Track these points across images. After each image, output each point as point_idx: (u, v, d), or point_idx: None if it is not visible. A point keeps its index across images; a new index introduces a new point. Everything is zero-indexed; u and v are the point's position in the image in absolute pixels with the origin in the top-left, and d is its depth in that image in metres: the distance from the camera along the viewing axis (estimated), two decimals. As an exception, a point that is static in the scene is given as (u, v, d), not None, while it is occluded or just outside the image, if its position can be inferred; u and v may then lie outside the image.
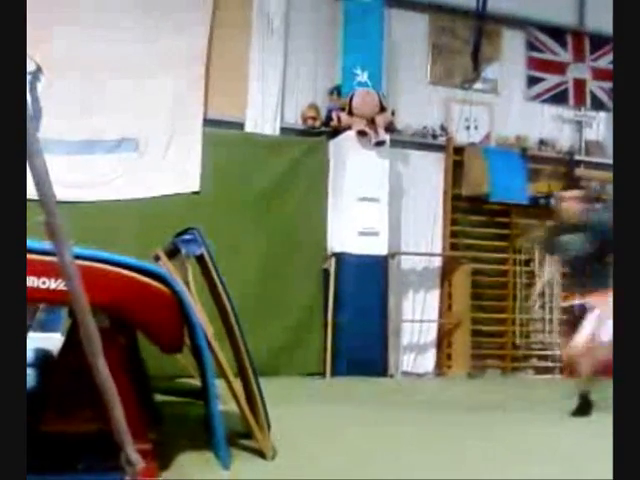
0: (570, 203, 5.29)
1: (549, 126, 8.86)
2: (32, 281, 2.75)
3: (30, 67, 6.63)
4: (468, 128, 8.38)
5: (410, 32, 8.26)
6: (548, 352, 8.42)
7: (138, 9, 7.12)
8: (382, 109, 7.65)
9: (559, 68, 8.95)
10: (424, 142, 8.18)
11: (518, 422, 5.19)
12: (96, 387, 2.53)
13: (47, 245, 2.36)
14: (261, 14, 7.56)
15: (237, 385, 3.79)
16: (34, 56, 6.57)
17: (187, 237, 3.98)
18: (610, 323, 4.35)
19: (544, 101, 8.87)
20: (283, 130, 7.60)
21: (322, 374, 7.18)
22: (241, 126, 7.46)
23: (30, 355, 3.90)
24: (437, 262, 8.04)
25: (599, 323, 4.98)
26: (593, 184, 8.68)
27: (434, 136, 8.24)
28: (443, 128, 8.26)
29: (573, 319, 5.28)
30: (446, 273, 8.04)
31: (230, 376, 3.72)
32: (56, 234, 2.23)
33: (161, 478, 3.12)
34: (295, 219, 7.35)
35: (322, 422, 4.86)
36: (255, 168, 7.30)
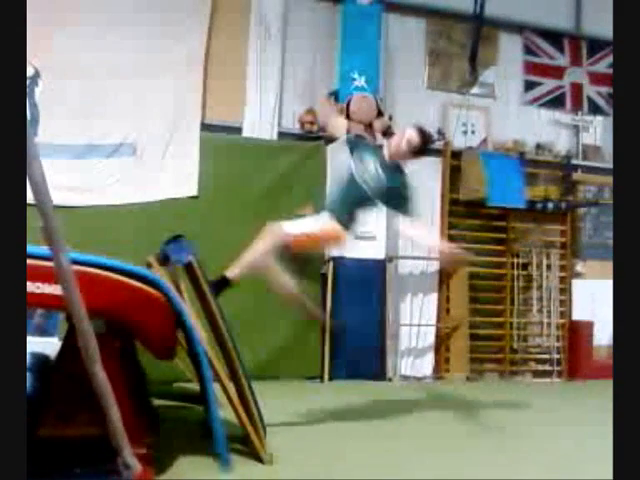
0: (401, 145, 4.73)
1: (546, 130, 8.88)
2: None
3: (28, 72, 6.64)
4: (465, 132, 8.40)
5: (407, 37, 8.28)
6: (546, 356, 8.43)
7: (137, 14, 7.13)
8: (379, 114, 7.67)
9: (556, 72, 8.97)
10: (421, 146, 8.18)
11: (517, 424, 5.20)
12: (93, 392, 2.54)
13: (40, 249, 2.36)
14: (259, 19, 7.58)
15: (232, 390, 3.79)
16: (32, 60, 6.58)
17: (175, 245, 4.00)
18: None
19: (541, 105, 8.89)
20: (281, 135, 7.61)
21: (320, 378, 7.18)
22: (239, 131, 7.47)
23: (27, 359, 3.91)
24: (435, 266, 8.05)
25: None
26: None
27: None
28: (440, 132, 8.27)
29: None
30: (444, 277, 8.05)
31: (225, 380, 3.73)
32: (53, 239, 2.24)
33: (158, 481, 3.13)
34: (293, 223, 7.34)
35: (320, 426, 4.87)
36: (253, 172, 7.30)
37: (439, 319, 8.01)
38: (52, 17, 6.73)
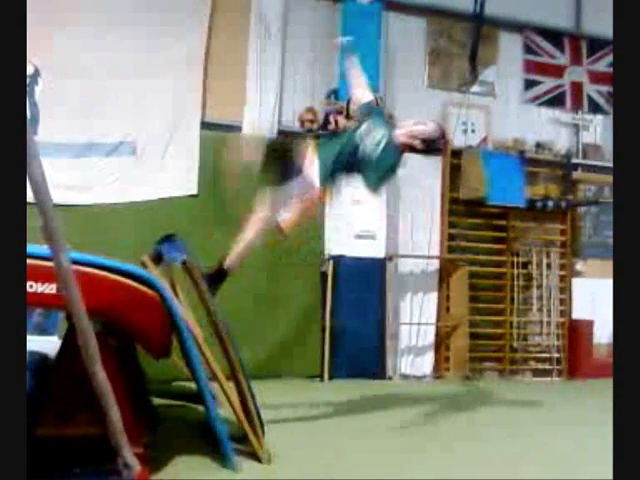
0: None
1: (546, 129, 8.87)
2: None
3: (29, 70, 6.64)
4: (465, 131, 8.39)
5: (407, 36, 8.27)
6: (546, 354, 8.43)
7: (137, 14, 7.12)
8: (380, 112, 7.66)
9: (556, 71, 8.96)
10: (421, 145, 8.18)
11: (517, 423, 5.20)
12: (93, 391, 2.54)
13: (38, 248, 2.36)
14: (259, 18, 7.57)
15: (229, 388, 3.79)
16: (32, 59, 6.57)
17: (168, 244, 4.00)
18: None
19: (541, 104, 8.88)
20: (281, 133, 7.60)
21: (320, 377, 7.18)
22: (239, 129, 7.46)
23: (26, 358, 3.90)
24: (435, 265, 8.05)
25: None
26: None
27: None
28: (440, 131, 8.26)
29: None
30: (444, 276, 8.05)
31: (222, 379, 3.73)
32: (53, 238, 2.24)
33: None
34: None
35: (319, 425, 4.87)
36: (253, 171, 7.28)
37: (439, 318, 8.01)
38: (52, 17, 6.71)
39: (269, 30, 7.56)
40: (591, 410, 5.98)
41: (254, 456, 3.68)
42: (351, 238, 7.53)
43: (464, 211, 8.18)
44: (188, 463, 3.59)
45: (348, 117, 7.51)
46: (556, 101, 8.93)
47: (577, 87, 9.01)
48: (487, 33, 8.36)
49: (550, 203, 8.42)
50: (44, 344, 4.17)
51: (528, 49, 8.84)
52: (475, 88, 8.54)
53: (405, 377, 7.67)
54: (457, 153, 8.16)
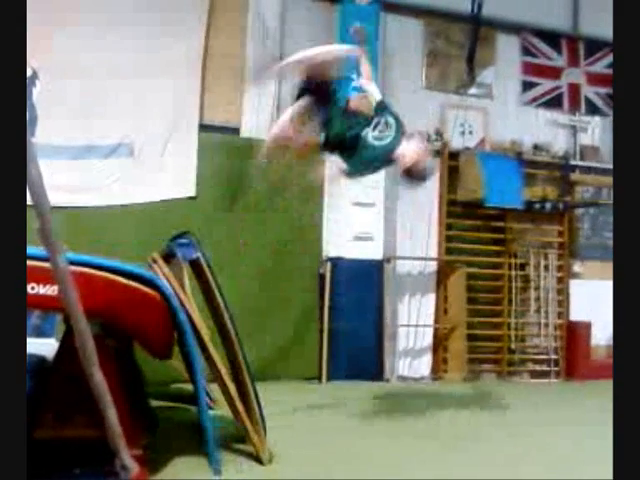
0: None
1: (544, 131, 8.88)
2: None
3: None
4: (463, 133, 8.40)
5: (405, 37, 8.27)
6: (544, 356, 8.43)
7: (136, 14, 7.11)
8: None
9: (554, 73, 8.97)
10: (419, 147, 8.18)
11: (515, 424, 5.20)
12: (91, 393, 2.53)
13: (38, 250, 2.35)
14: (257, 19, 7.57)
15: (232, 389, 3.79)
16: (30, 61, 6.55)
17: (182, 241, 3.99)
18: None
19: (539, 106, 8.89)
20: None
21: (319, 379, 7.18)
22: (237, 131, 7.46)
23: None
24: (432, 266, 8.05)
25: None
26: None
27: (429, 141, 8.23)
28: (438, 133, 8.27)
29: None
30: (441, 277, 8.05)
31: (226, 380, 3.72)
32: (49, 240, 2.23)
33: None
34: (291, 224, 7.35)
35: (318, 426, 4.86)
36: (251, 173, 7.29)
37: (437, 320, 8.01)
38: (52, 17, 6.71)
39: (267, 31, 7.56)
40: (590, 411, 5.98)
41: (255, 456, 3.67)
42: (349, 240, 7.53)
43: (462, 213, 8.19)
44: (187, 464, 3.59)
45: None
46: (554, 103, 8.94)
47: (575, 89, 9.02)
48: (485, 35, 8.38)
49: (548, 205, 8.42)
50: (42, 346, 4.16)
51: (526, 51, 8.85)
52: (473, 90, 8.56)
53: (403, 379, 7.67)
54: (455, 155, 8.16)
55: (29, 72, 6.68)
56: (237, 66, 7.48)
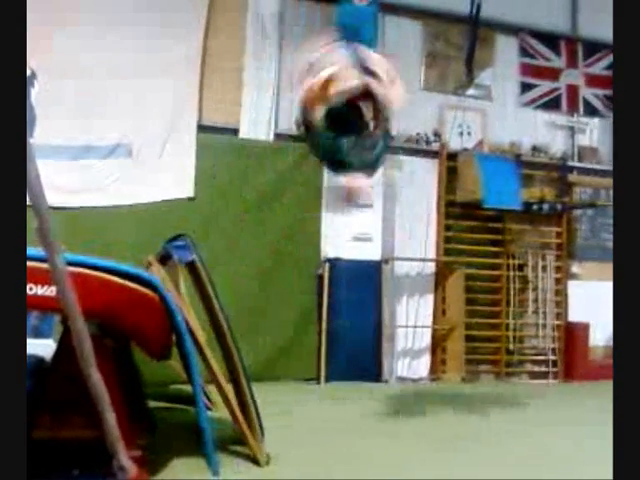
0: None
1: (542, 132, 8.88)
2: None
3: (25, 73, 6.62)
4: (461, 134, 8.40)
5: (404, 38, 8.27)
6: (542, 357, 8.44)
7: (136, 14, 7.10)
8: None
9: (552, 74, 8.98)
10: (418, 148, 8.19)
11: (514, 424, 5.20)
12: (89, 394, 2.52)
13: (37, 251, 2.34)
14: (255, 19, 7.57)
15: (229, 391, 3.78)
16: (29, 62, 6.55)
17: (179, 243, 3.99)
18: None
19: (537, 107, 8.89)
20: (277, 136, 7.59)
21: (317, 379, 7.17)
22: (235, 132, 7.46)
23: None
24: (431, 267, 8.05)
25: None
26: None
27: (427, 142, 8.25)
28: (437, 134, 8.28)
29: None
30: (440, 278, 8.05)
31: (222, 382, 3.72)
32: (47, 240, 2.23)
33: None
34: (289, 224, 7.35)
35: (317, 427, 4.86)
36: (249, 174, 7.30)
37: (435, 320, 8.01)
38: (52, 17, 6.70)
39: (266, 32, 7.56)
40: (589, 411, 5.99)
41: (253, 458, 3.67)
42: (347, 241, 7.54)
43: (460, 214, 8.19)
44: (185, 465, 3.58)
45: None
46: (552, 104, 8.95)
47: (573, 90, 9.03)
48: (483, 36, 8.38)
49: (546, 206, 8.42)
50: (40, 347, 4.16)
51: (524, 52, 8.85)
52: (471, 91, 8.56)
53: (401, 380, 7.67)
54: (453, 156, 8.17)
55: (28, 72, 6.66)
56: (236, 66, 7.48)
